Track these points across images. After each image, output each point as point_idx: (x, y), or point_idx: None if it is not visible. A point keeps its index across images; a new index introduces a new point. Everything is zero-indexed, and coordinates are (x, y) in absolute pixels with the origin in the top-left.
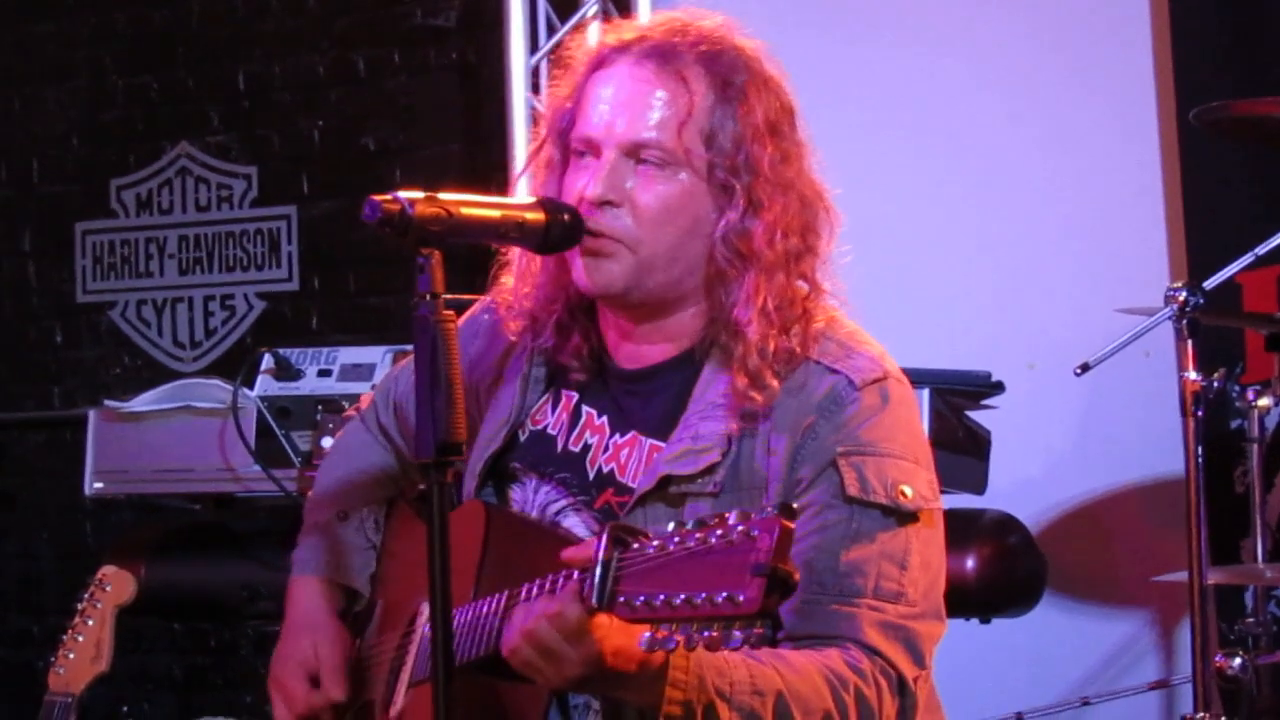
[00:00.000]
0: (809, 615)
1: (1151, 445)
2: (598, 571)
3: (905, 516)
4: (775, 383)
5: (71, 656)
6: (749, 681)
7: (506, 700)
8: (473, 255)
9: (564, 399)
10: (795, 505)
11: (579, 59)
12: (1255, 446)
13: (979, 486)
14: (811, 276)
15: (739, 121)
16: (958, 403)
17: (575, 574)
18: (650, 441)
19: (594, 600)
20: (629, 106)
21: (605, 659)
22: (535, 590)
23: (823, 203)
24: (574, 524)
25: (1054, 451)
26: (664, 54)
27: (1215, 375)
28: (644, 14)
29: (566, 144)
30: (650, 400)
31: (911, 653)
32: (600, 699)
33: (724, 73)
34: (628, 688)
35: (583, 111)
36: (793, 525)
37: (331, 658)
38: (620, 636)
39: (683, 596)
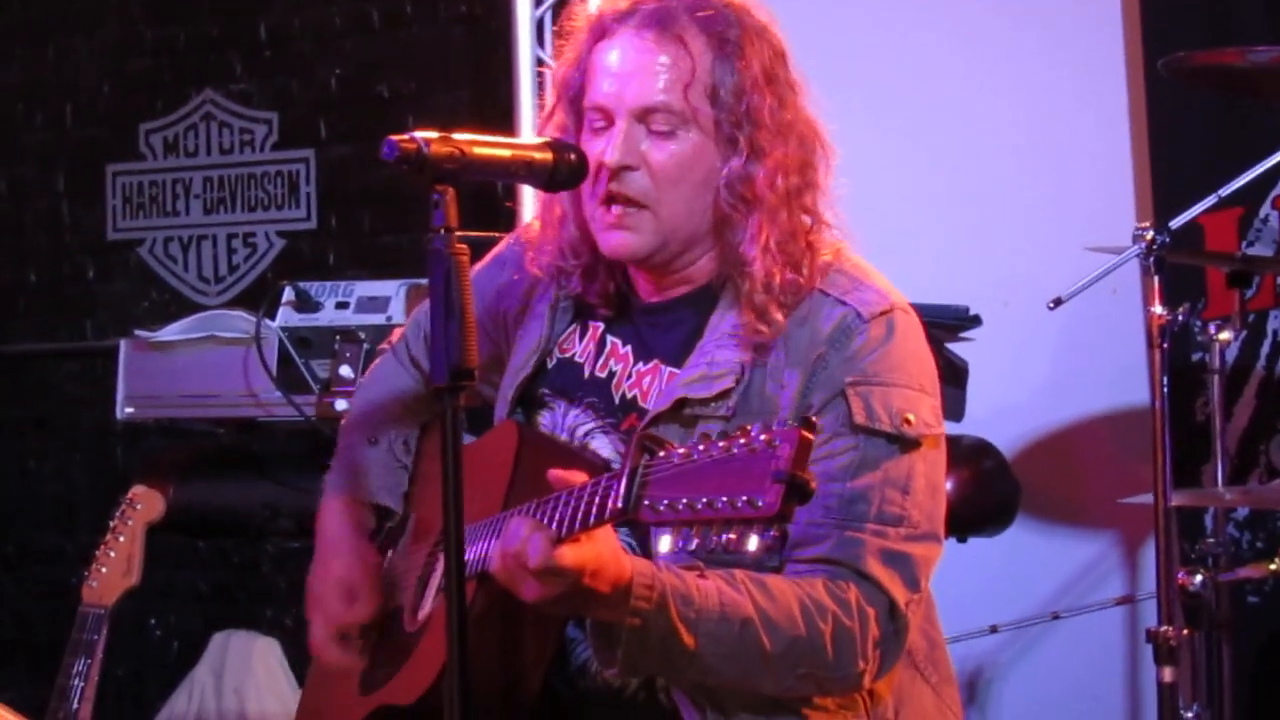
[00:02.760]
0: (815, 537)
1: (1119, 376)
2: (625, 477)
3: (909, 443)
4: (781, 316)
5: (104, 571)
6: (718, 610)
7: (528, 605)
8: (482, 193)
9: (591, 329)
10: None
11: (580, 28)
12: (1216, 377)
13: (957, 414)
14: (814, 209)
15: (738, 74)
16: (938, 335)
17: (604, 480)
18: (669, 369)
19: (619, 503)
20: (636, 74)
21: (581, 581)
22: (557, 502)
23: (819, 138)
24: (601, 445)
25: (1027, 382)
26: (661, 19)
27: (1179, 310)
28: None
29: (578, 110)
30: (670, 330)
31: (907, 578)
32: (588, 621)
33: (719, 30)
34: (601, 609)
35: (591, 81)
36: (812, 436)
37: (364, 579)
38: (592, 561)
39: (705, 500)
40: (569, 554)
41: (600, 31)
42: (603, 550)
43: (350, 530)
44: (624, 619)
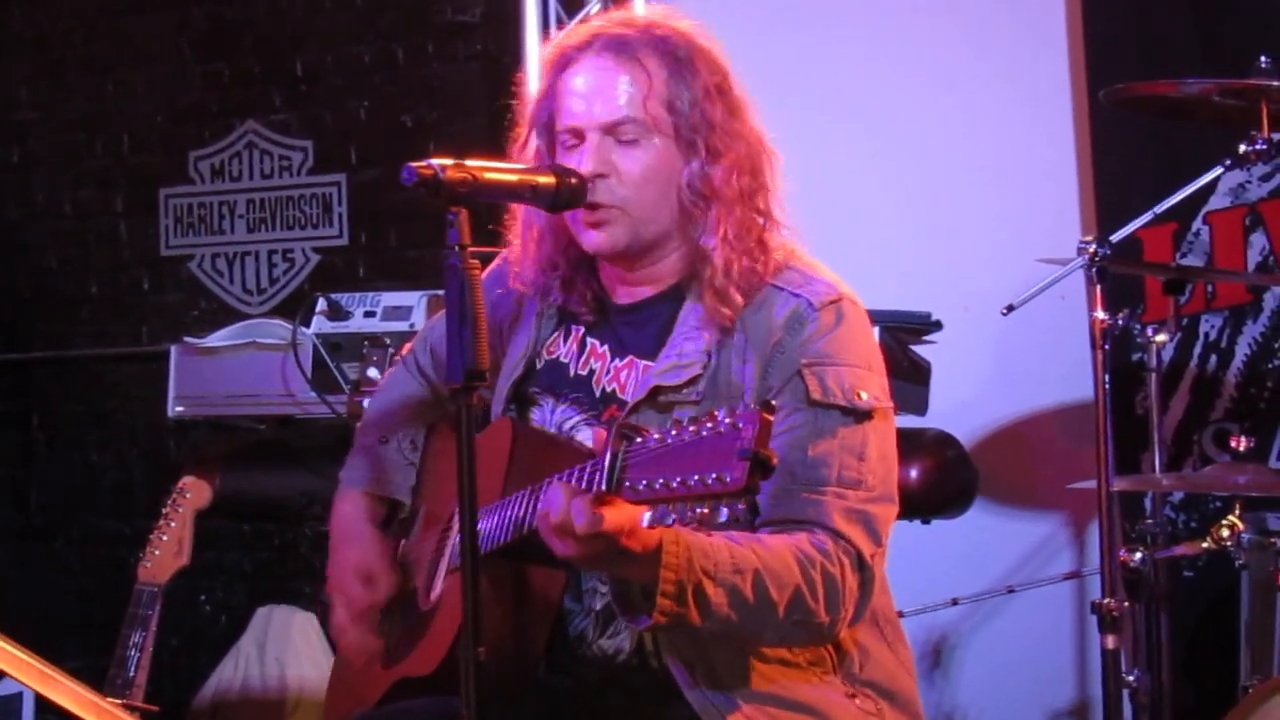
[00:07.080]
0: (782, 502)
1: (1066, 374)
2: (606, 462)
3: (862, 415)
4: (740, 299)
5: (158, 552)
6: (730, 561)
7: (529, 581)
8: (493, 213)
9: (573, 332)
10: None
11: (545, 62)
12: (1153, 375)
13: (921, 409)
14: (765, 209)
15: (691, 87)
16: (903, 338)
17: (589, 466)
18: (644, 363)
19: (603, 486)
20: (600, 94)
21: (618, 541)
22: (557, 482)
23: (764, 146)
24: (586, 436)
25: (985, 379)
26: (618, 45)
27: (1120, 315)
28: (639, 8)
29: (550, 135)
30: (643, 328)
31: (870, 533)
32: (610, 580)
33: (671, 50)
34: (632, 566)
35: (561, 106)
36: (772, 417)
37: (380, 563)
38: (629, 522)
39: (679, 479)
40: (610, 517)
41: (565, 62)
42: (636, 513)
43: (364, 520)
44: (658, 574)
